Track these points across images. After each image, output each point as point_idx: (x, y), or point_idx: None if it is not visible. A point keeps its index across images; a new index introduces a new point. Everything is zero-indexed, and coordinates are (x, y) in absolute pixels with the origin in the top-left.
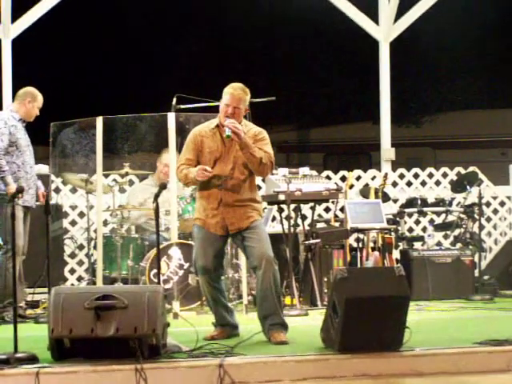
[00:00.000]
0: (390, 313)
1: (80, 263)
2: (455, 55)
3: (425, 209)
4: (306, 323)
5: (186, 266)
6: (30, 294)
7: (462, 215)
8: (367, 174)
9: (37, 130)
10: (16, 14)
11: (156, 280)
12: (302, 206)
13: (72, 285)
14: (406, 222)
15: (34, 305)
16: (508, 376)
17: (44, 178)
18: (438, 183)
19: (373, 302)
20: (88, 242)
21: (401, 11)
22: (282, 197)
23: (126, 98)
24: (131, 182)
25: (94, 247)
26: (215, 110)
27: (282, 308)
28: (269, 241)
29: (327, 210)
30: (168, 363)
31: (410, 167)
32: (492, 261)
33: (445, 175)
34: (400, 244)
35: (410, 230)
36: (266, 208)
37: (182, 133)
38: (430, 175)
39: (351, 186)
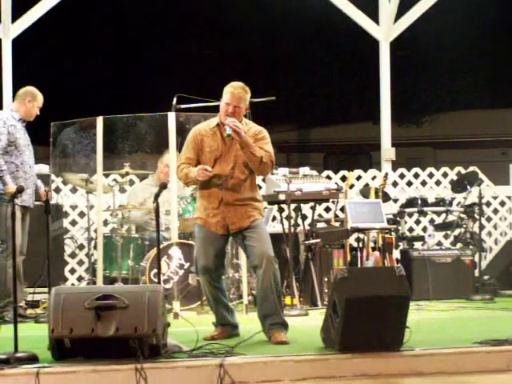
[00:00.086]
0: (390, 313)
1: (80, 263)
2: (455, 55)
3: (425, 209)
4: (306, 323)
5: (187, 265)
6: (30, 293)
7: (463, 215)
8: (367, 174)
9: (37, 129)
10: (16, 14)
11: (156, 280)
12: (302, 205)
13: (72, 285)
14: (406, 222)
15: (34, 305)
16: (508, 376)
17: (44, 178)
18: (438, 183)
19: (373, 301)
20: (88, 241)
21: (401, 11)
22: (282, 196)
23: (126, 97)
24: (131, 182)
25: (95, 247)
26: (215, 109)
27: (282, 307)
28: (269, 240)
29: (327, 209)
30: (168, 363)
31: (410, 167)
32: (492, 261)
33: (445, 175)
34: (400, 244)
35: (411, 229)
36: (266, 208)
37: (182, 132)
38: (431, 175)
39: (351, 186)
